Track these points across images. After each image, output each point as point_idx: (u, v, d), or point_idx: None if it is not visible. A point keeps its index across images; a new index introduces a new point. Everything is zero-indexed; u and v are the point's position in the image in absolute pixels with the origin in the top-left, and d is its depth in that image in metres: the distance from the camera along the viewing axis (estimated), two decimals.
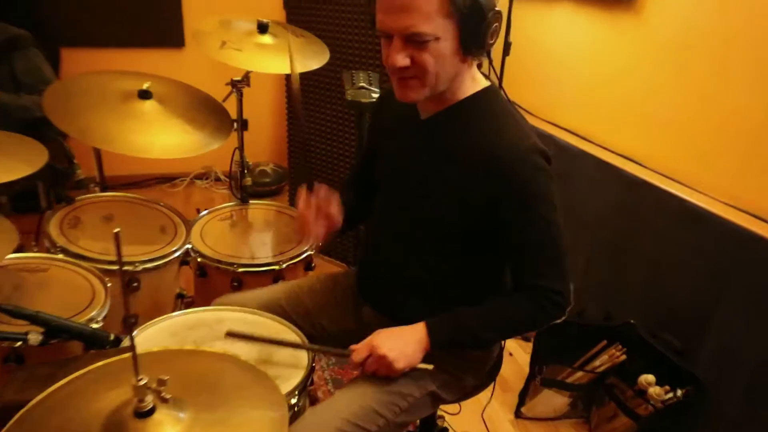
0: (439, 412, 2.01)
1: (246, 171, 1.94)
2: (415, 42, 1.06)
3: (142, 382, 0.77)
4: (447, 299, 1.26)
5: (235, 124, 2.06)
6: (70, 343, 1.15)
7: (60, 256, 1.44)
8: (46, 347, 1.11)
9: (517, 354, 2.43)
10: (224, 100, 2.27)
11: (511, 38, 2.36)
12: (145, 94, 1.72)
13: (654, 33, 1.91)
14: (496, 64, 2.40)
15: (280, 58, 1.91)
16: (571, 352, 1.94)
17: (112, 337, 1.11)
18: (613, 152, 2.09)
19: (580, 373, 1.92)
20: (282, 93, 3.89)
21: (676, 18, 1.82)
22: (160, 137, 1.65)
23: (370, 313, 1.40)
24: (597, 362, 1.90)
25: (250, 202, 2.04)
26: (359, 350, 1.19)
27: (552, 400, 1.98)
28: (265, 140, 4.17)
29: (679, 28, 1.81)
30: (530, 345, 2.10)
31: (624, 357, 1.85)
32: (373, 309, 1.39)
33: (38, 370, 1.05)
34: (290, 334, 1.32)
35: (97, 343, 1.10)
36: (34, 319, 1.03)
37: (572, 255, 2.17)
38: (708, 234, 1.66)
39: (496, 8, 1.09)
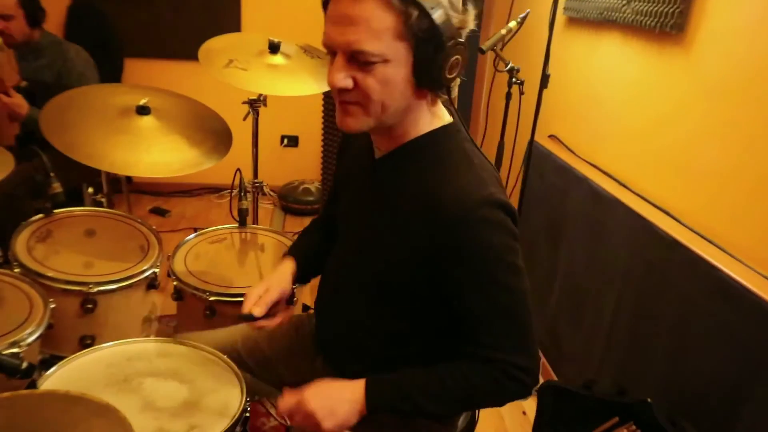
0: None
1: (244, 194, 1.87)
2: (360, 62, 0.93)
3: None
4: (396, 358, 1.12)
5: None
6: None
7: (17, 270, 1.42)
8: None
9: (531, 412, 2.21)
10: (245, 119, 2.25)
11: (552, 69, 2.18)
12: (142, 110, 1.69)
13: (702, 73, 1.68)
14: (533, 96, 2.22)
15: (290, 80, 1.84)
16: (578, 425, 1.72)
17: (24, 365, 1.04)
18: (649, 202, 1.86)
19: None
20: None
21: (728, 58, 1.59)
22: (149, 155, 1.62)
23: (321, 364, 1.27)
24: None
25: (249, 226, 1.96)
26: (287, 399, 1.05)
27: None
28: (314, 157, 4.15)
29: (730, 69, 1.58)
30: None
31: None
32: (324, 360, 1.27)
33: None
34: (232, 380, 1.22)
35: (7, 371, 1.04)
36: None
37: (595, 313, 2.00)
38: (742, 308, 1.41)
39: (460, 38, 0.95)
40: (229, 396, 1.17)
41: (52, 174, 1.60)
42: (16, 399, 0.89)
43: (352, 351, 1.20)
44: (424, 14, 0.90)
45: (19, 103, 2.26)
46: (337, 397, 1.03)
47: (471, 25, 0.99)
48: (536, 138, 2.41)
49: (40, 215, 1.64)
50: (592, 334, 2.06)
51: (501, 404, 1.09)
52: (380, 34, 0.90)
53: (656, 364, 1.70)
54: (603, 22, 2.18)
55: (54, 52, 2.51)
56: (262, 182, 2.21)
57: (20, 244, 1.53)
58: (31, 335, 1.24)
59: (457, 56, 0.95)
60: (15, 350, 1.20)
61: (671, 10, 1.76)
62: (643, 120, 1.96)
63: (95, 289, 1.47)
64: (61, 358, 1.34)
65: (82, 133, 1.58)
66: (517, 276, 1.01)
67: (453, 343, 1.07)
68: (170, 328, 1.77)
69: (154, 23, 3.77)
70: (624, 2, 2.01)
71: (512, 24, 1.97)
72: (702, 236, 1.62)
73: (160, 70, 3.89)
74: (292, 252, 1.33)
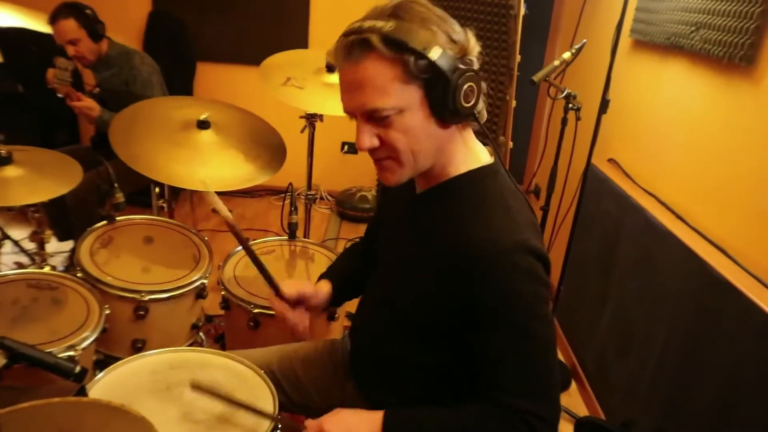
0: None
1: (294, 208, 1.92)
2: (377, 119, 0.96)
3: None
4: (423, 391, 1.14)
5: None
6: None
7: (79, 275, 1.52)
8: (28, 369, 1.15)
9: None
10: (302, 131, 2.31)
11: (616, 91, 2.12)
12: (203, 124, 1.77)
13: None
14: (591, 121, 2.18)
15: None
16: None
17: (77, 369, 1.13)
18: (706, 238, 1.78)
19: None
20: None
21: None
22: (205, 169, 1.70)
23: (351, 389, 1.30)
24: None
25: (299, 239, 2.01)
26: (309, 429, 1.09)
27: None
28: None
29: None
30: None
31: None
32: (355, 385, 1.29)
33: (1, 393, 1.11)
34: (266, 395, 1.26)
35: (61, 374, 1.12)
36: None
37: (641, 351, 1.93)
38: None
39: (465, 67, 0.95)
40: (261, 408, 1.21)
41: (115, 184, 1.70)
42: (64, 405, 0.96)
43: (381, 380, 1.22)
44: (420, 56, 0.91)
45: (90, 105, 2.42)
46: (356, 429, 1.05)
47: (474, 48, 0.99)
48: (595, 161, 2.35)
49: (104, 222, 1.75)
50: (639, 368, 1.99)
51: None
52: (386, 87, 0.93)
53: (703, 411, 1.63)
54: (670, 47, 2.10)
55: (121, 61, 2.65)
56: (315, 194, 2.27)
57: (84, 249, 1.65)
58: (85, 340, 1.34)
59: (468, 84, 0.96)
60: (71, 353, 1.29)
61: (741, 40, 1.68)
62: (705, 152, 1.88)
63: (147, 297, 1.56)
64: (114, 358, 1.43)
65: (145, 146, 1.68)
66: (543, 324, 1.00)
67: (476, 382, 1.08)
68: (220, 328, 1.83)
69: (226, 30, 3.93)
70: (692, 29, 1.93)
71: (566, 55, 1.93)
72: (760, 281, 1.54)
73: (229, 74, 4.05)
74: (329, 275, 1.37)
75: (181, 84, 3.92)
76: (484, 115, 1.05)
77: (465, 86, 0.95)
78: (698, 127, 1.93)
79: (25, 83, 3.46)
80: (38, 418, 0.94)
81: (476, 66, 0.99)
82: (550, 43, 3.48)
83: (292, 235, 1.97)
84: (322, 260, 1.97)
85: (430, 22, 0.94)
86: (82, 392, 1.11)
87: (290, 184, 2.00)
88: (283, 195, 4.20)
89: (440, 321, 1.06)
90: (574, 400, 2.41)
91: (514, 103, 2.00)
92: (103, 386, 1.21)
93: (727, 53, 1.74)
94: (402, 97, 0.94)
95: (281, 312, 1.27)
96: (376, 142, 0.98)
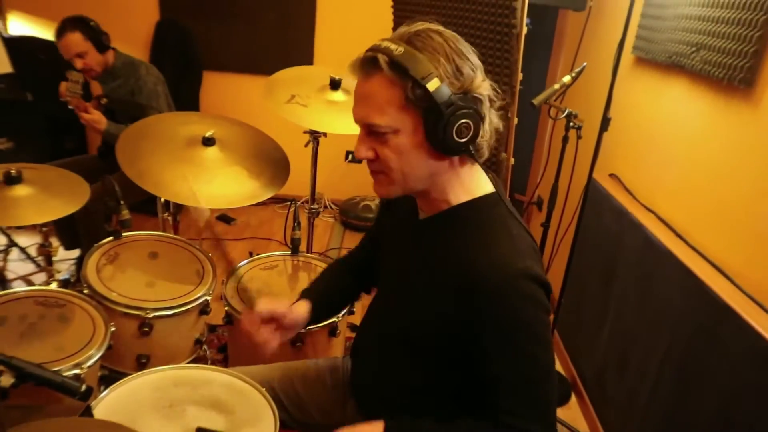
0: None
1: (297, 224, 1.95)
2: (376, 134, 1.01)
3: None
4: (424, 411, 1.16)
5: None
6: None
7: (86, 291, 1.55)
8: (36, 387, 1.18)
9: None
10: (306, 145, 2.34)
11: (617, 106, 2.14)
12: (208, 141, 1.80)
13: None
14: (592, 139, 2.20)
15: (346, 118, 1.89)
16: None
17: (83, 388, 1.15)
18: (704, 257, 1.79)
19: None
20: None
21: None
22: (209, 186, 1.72)
23: (352, 410, 1.33)
24: None
25: (302, 254, 2.04)
26: None
27: None
28: None
29: None
30: None
31: None
32: (356, 405, 1.32)
33: (9, 412, 1.14)
34: (267, 414, 1.28)
35: (67, 392, 1.15)
36: (5, 363, 1.10)
37: (640, 366, 1.95)
38: None
39: (463, 104, 0.97)
40: (263, 429, 1.23)
41: (122, 201, 1.73)
42: (67, 425, 0.99)
43: (382, 399, 1.24)
44: (418, 85, 0.94)
45: (97, 119, 2.46)
46: None
47: (480, 85, 1.01)
48: (596, 176, 2.37)
49: (111, 238, 1.78)
50: (637, 383, 2.01)
51: None
52: (385, 107, 0.97)
53: (699, 429, 1.65)
54: (671, 66, 2.12)
55: (127, 72, 2.69)
56: (318, 208, 2.29)
57: (91, 265, 1.68)
58: (91, 358, 1.36)
59: (464, 120, 0.98)
60: (77, 371, 1.32)
61: (740, 63, 1.70)
62: (704, 171, 1.90)
63: (152, 314, 1.59)
64: (119, 373, 1.46)
65: (151, 163, 1.71)
66: (543, 348, 1.03)
67: (476, 402, 1.10)
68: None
69: (232, 40, 3.97)
70: (693, 49, 1.95)
71: (566, 78, 1.95)
72: (756, 302, 1.56)
73: (235, 83, 4.09)
74: (310, 293, 1.39)
75: (187, 93, 3.95)
76: (484, 153, 1.07)
77: (459, 122, 0.97)
78: (698, 145, 1.95)
79: (34, 92, 3.50)
80: None
81: (485, 104, 1.01)
82: (554, 57, 3.50)
83: (294, 251, 1.99)
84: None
85: (441, 53, 0.96)
86: (88, 411, 1.14)
87: (293, 200, 2.02)
88: (288, 204, 4.26)
89: (443, 344, 1.08)
90: (573, 414, 2.43)
91: (516, 120, 2.01)
92: (108, 404, 1.24)
93: (726, 75, 1.76)
94: (397, 119, 0.98)
95: (247, 327, 1.26)
96: (371, 155, 1.03)
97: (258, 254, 1.98)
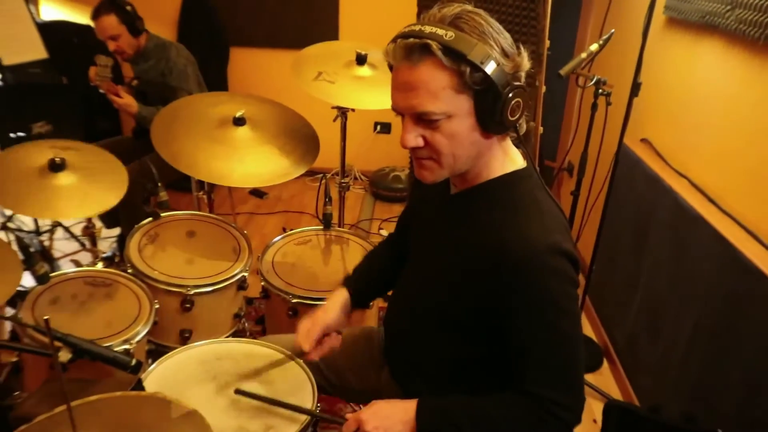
0: None
1: (329, 200, 1.98)
2: (426, 121, 1.01)
3: None
4: (454, 380, 1.21)
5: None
6: None
7: (130, 271, 1.63)
8: (90, 362, 1.26)
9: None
10: (334, 120, 2.36)
11: (649, 69, 2.10)
12: (239, 121, 1.84)
13: None
14: (622, 104, 2.16)
15: (373, 93, 1.91)
16: None
17: (133, 362, 1.23)
18: (737, 222, 1.77)
19: None
20: None
21: None
22: (243, 165, 1.77)
23: (387, 376, 1.38)
24: None
25: (334, 228, 2.08)
26: (349, 422, 1.17)
27: None
28: None
29: None
30: None
31: None
32: (390, 373, 1.37)
33: (67, 385, 1.21)
34: (306, 385, 1.35)
35: (119, 366, 1.23)
36: (63, 340, 1.18)
37: (673, 329, 1.96)
38: None
39: (516, 83, 0.99)
40: (302, 400, 1.30)
41: (159, 183, 1.79)
42: (124, 399, 1.06)
43: (414, 369, 1.29)
44: (476, 69, 0.95)
45: (129, 102, 2.53)
46: (391, 419, 1.13)
47: (526, 65, 1.03)
48: (627, 140, 2.34)
49: (150, 219, 1.85)
50: (669, 350, 2.02)
51: None
52: (439, 93, 0.97)
53: (731, 394, 1.66)
54: (704, 26, 2.06)
55: (158, 54, 2.73)
56: (348, 182, 2.32)
57: (133, 246, 1.76)
58: (139, 334, 1.44)
59: (516, 99, 1.00)
60: (127, 347, 1.39)
61: None
62: (739, 135, 1.86)
63: (192, 291, 1.66)
64: (164, 347, 1.53)
65: (185, 144, 1.76)
66: (571, 321, 1.05)
67: (504, 373, 1.13)
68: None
69: (258, 15, 3.98)
70: (728, 7, 1.89)
71: (593, 47, 1.92)
72: None
73: (262, 58, 4.11)
74: (349, 281, 1.44)
75: (216, 70, 4.00)
76: (524, 127, 1.08)
77: (513, 101, 0.99)
78: (733, 109, 1.91)
79: (68, 75, 3.58)
80: (103, 409, 1.04)
81: (523, 80, 1.02)
82: (583, 19, 3.42)
83: (327, 226, 2.04)
84: (356, 247, 2.04)
85: (488, 35, 0.97)
86: (139, 384, 1.22)
87: (323, 174, 2.06)
88: (318, 177, 4.30)
89: (473, 315, 1.11)
90: (605, 380, 2.45)
91: (543, 88, 2.00)
92: (156, 376, 1.32)
93: (763, 34, 1.70)
94: (452, 104, 0.98)
95: (322, 353, 1.35)
96: (420, 142, 1.03)
97: (291, 229, 2.03)
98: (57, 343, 1.16)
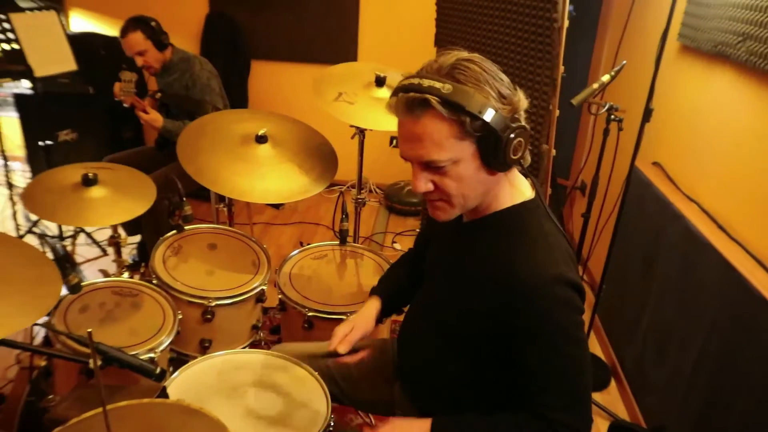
0: None
1: (346, 216, 2.05)
2: (434, 168, 1.07)
3: None
4: (459, 399, 1.26)
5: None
6: None
7: (154, 282, 1.70)
8: (117, 369, 1.32)
9: None
10: (353, 138, 2.43)
11: (662, 94, 2.14)
12: (261, 139, 1.91)
13: None
14: (635, 127, 2.21)
15: (391, 115, 1.97)
16: None
17: (158, 370, 1.30)
18: (745, 250, 1.81)
19: None
20: None
21: None
22: (263, 182, 1.84)
23: (398, 390, 1.43)
24: None
25: (349, 243, 2.14)
26: None
27: None
28: None
29: None
30: None
31: None
32: (401, 388, 1.42)
33: (93, 391, 1.29)
34: (320, 397, 1.40)
35: (145, 374, 1.29)
36: (95, 348, 1.25)
37: (681, 352, 1.99)
38: None
39: (515, 125, 1.05)
40: (316, 414, 1.35)
41: (184, 198, 1.87)
42: (154, 405, 1.13)
43: (425, 387, 1.34)
44: (475, 118, 1.01)
45: (155, 117, 2.63)
46: None
47: (524, 104, 1.09)
48: (639, 163, 2.39)
49: (174, 231, 1.93)
50: (675, 371, 2.05)
51: None
52: (443, 143, 1.03)
53: (736, 419, 1.69)
54: (716, 55, 2.10)
55: (182, 67, 2.82)
56: (364, 198, 2.39)
57: (158, 257, 1.83)
58: (163, 343, 1.51)
59: (517, 139, 1.05)
60: (152, 355, 1.46)
61: None
62: (748, 163, 1.90)
63: (214, 303, 1.73)
64: (185, 355, 1.59)
65: (209, 160, 1.83)
66: (578, 347, 1.11)
67: (514, 394, 1.19)
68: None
69: (278, 30, 4.08)
70: (739, 39, 1.94)
71: (605, 78, 1.97)
72: None
73: (281, 71, 4.21)
74: (378, 290, 1.50)
75: (237, 82, 4.10)
76: (528, 160, 1.14)
77: (514, 141, 1.05)
78: (743, 138, 1.95)
79: (95, 85, 3.70)
80: (133, 415, 1.10)
81: (523, 118, 1.08)
82: (598, 44, 3.47)
83: (343, 241, 2.10)
84: (369, 262, 2.10)
85: (483, 83, 1.02)
86: (164, 392, 1.28)
87: (341, 192, 2.12)
88: (334, 189, 4.37)
89: (483, 338, 1.17)
90: (612, 399, 2.48)
91: (557, 112, 2.05)
92: (178, 384, 1.38)
93: None
94: (456, 151, 1.04)
95: (355, 359, 1.41)
96: (431, 187, 1.10)
97: (308, 243, 2.10)
98: (88, 351, 1.23)
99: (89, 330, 0.81)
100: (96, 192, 1.63)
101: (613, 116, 2.11)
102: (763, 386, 1.59)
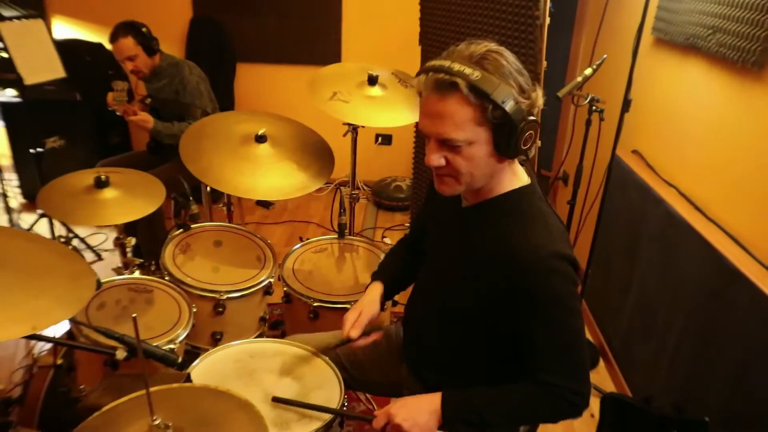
0: None
1: (344, 210, 2.13)
2: (449, 146, 1.16)
3: (156, 422, 0.99)
4: (467, 373, 1.36)
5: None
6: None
7: (167, 278, 1.77)
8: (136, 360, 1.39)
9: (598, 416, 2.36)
10: (345, 135, 2.51)
11: (639, 85, 2.27)
12: (260, 138, 1.98)
13: None
14: (614, 117, 2.33)
15: (384, 112, 2.07)
16: None
17: (179, 359, 1.37)
18: (722, 229, 1.94)
19: None
20: None
21: None
22: (265, 180, 1.92)
23: (405, 371, 1.52)
24: None
25: (347, 237, 2.23)
26: (378, 418, 1.30)
27: None
28: (406, 156, 4.38)
29: None
30: None
31: None
32: (408, 368, 1.51)
33: (120, 380, 1.35)
34: (333, 380, 1.48)
35: (168, 363, 1.36)
36: (120, 340, 1.32)
37: (664, 330, 2.11)
38: None
39: (530, 117, 1.14)
40: (331, 393, 1.44)
41: (191, 198, 1.94)
42: (182, 390, 1.20)
43: (431, 364, 1.43)
44: (497, 107, 1.10)
45: (145, 118, 2.68)
46: (418, 410, 1.27)
47: (540, 103, 1.18)
48: (619, 153, 2.51)
49: (181, 230, 1.99)
50: (660, 347, 2.17)
51: (554, 421, 1.30)
52: (463, 124, 1.12)
53: (718, 386, 1.81)
54: (689, 47, 2.23)
55: (172, 73, 2.87)
56: (358, 194, 2.47)
57: (168, 255, 1.90)
58: (181, 335, 1.58)
59: (529, 132, 1.15)
60: (172, 346, 1.53)
61: (753, 47, 1.81)
62: (722, 148, 2.02)
63: (225, 296, 1.80)
64: (197, 348, 1.66)
65: (212, 160, 1.90)
66: (575, 317, 1.20)
67: (517, 366, 1.28)
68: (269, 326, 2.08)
69: (262, 33, 4.14)
70: (709, 32, 2.06)
71: (588, 71, 2.09)
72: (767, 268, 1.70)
73: (266, 73, 4.27)
74: (380, 276, 1.58)
75: (224, 84, 4.15)
76: (533, 152, 1.24)
77: (527, 133, 1.14)
78: (716, 124, 2.07)
79: (81, 91, 3.72)
80: (164, 399, 1.16)
81: (537, 114, 1.17)
82: (575, 38, 3.59)
83: (341, 234, 2.18)
84: (365, 253, 2.19)
85: (508, 75, 1.11)
86: (188, 378, 1.35)
87: (339, 187, 2.21)
88: (323, 187, 4.44)
89: (487, 315, 1.26)
90: (601, 377, 2.61)
91: (542, 105, 2.16)
92: (199, 372, 1.45)
93: (740, 57, 1.87)
94: (473, 134, 1.13)
95: (367, 342, 1.49)
96: (443, 162, 1.18)
97: (307, 238, 2.18)
98: (115, 343, 1.30)
99: (134, 315, 0.88)
100: (108, 193, 1.69)
101: (594, 107, 2.22)
102: (740, 354, 1.72)
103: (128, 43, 2.74)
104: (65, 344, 1.37)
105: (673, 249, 2.12)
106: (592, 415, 2.41)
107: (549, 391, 1.21)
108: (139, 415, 1.07)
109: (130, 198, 1.70)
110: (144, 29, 2.77)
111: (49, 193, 1.65)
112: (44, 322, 0.98)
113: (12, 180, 4.10)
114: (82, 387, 1.39)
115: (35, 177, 3.02)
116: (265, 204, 4.16)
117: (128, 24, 2.76)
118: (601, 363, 2.69)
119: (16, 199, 3.90)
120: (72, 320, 1.42)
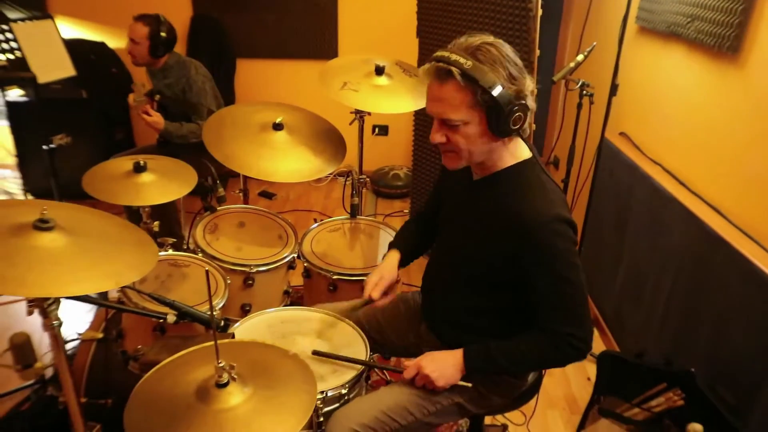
0: (505, 421, 2.25)
1: (355, 193, 2.29)
2: (449, 125, 1.34)
3: (221, 364, 1.14)
4: (483, 329, 1.52)
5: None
6: (196, 324, 1.59)
7: (200, 255, 1.92)
8: (179, 324, 1.54)
9: (594, 379, 2.54)
10: (351, 123, 2.66)
11: (625, 70, 2.44)
12: (278, 126, 2.13)
13: (754, 90, 1.92)
14: (603, 102, 2.51)
15: (392, 99, 2.23)
16: (631, 389, 2.04)
17: (222, 323, 1.53)
18: (703, 201, 2.12)
19: (636, 410, 2.02)
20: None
21: None
22: (285, 164, 2.07)
23: (425, 330, 1.69)
24: (654, 402, 1.98)
25: (358, 217, 2.39)
26: (409, 369, 1.49)
27: (609, 430, 2.10)
28: (402, 146, 4.54)
29: None
30: None
31: (681, 402, 1.91)
32: (428, 328, 1.68)
33: (171, 340, 1.50)
34: (358, 341, 1.65)
35: (210, 327, 1.51)
36: (171, 305, 1.47)
37: (653, 296, 2.30)
38: None
39: (519, 101, 1.30)
40: (358, 349, 1.60)
41: (218, 181, 2.09)
42: (234, 344, 1.35)
43: (450, 322, 1.60)
44: (485, 91, 1.27)
45: (157, 120, 2.82)
46: (444, 363, 1.46)
47: (530, 87, 1.35)
48: (608, 135, 2.69)
49: (208, 212, 2.15)
50: (649, 313, 2.36)
51: (563, 365, 1.48)
52: (458, 106, 1.30)
53: (702, 341, 2.00)
54: (670, 34, 2.41)
55: (178, 71, 3.01)
56: (365, 178, 2.63)
57: (198, 235, 2.06)
58: (220, 302, 1.74)
59: (518, 114, 1.31)
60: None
61: (727, 32, 1.99)
62: (701, 126, 2.21)
63: (254, 270, 1.96)
64: (228, 320, 1.81)
65: (234, 147, 2.05)
66: (575, 271, 1.38)
67: (526, 319, 1.46)
68: (292, 300, 2.24)
69: (261, 29, 4.27)
70: (688, 19, 2.24)
71: (580, 57, 2.26)
72: (746, 234, 1.89)
73: (265, 68, 4.40)
74: (397, 244, 1.75)
75: (224, 80, 4.28)
76: (527, 131, 1.41)
77: (515, 115, 1.31)
78: (696, 105, 2.26)
79: (87, 89, 3.83)
80: (223, 352, 1.31)
81: (530, 100, 1.33)
82: (563, 28, 3.77)
83: (353, 215, 2.35)
84: (375, 232, 2.36)
85: (498, 64, 1.28)
86: (233, 338, 1.50)
87: (351, 171, 2.36)
88: (321, 178, 4.59)
89: (498, 274, 1.44)
90: (595, 345, 2.77)
91: (535, 91, 2.33)
92: (239, 335, 1.61)
93: (716, 43, 2.06)
94: (467, 115, 1.31)
95: (386, 302, 1.65)
96: (443, 139, 1.36)
97: (322, 219, 2.34)
98: (166, 309, 1.45)
99: (206, 269, 1.03)
100: (146, 177, 1.84)
101: (585, 92, 2.40)
102: (722, 312, 1.90)
103: (141, 30, 2.87)
104: (128, 310, 1.53)
105: (659, 220, 2.30)
106: (589, 379, 2.59)
107: (556, 338, 1.39)
108: (199, 364, 1.22)
109: (167, 181, 1.85)
110: (163, 32, 2.89)
111: (92, 178, 1.80)
112: (124, 279, 1.13)
113: (17, 179, 4.20)
114: (139, 347, 1.54)
115: (39, 175, 3.10)
116: (267, 195, 4.30)
117: (156, 18, 2.88)
118: (596, 334, 2.88)
119: (22, 197, 4.00)
120: (127, 287, 1.57)
